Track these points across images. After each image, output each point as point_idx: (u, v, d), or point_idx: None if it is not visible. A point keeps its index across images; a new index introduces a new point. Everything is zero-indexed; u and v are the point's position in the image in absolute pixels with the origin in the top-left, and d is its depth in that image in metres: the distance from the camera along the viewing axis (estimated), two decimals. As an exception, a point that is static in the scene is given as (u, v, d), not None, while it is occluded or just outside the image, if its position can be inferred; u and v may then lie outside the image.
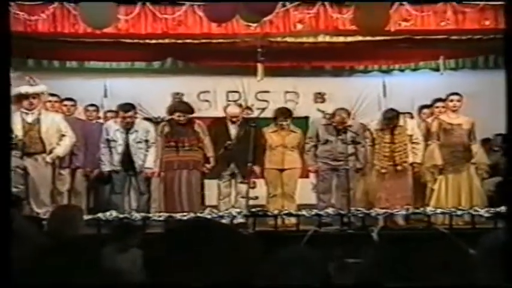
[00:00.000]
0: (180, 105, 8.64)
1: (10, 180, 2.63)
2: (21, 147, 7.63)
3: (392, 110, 8.44)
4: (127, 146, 8.14)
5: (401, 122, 8.31)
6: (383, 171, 8.19)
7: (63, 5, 8.41)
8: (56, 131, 7.85)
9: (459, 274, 1.90)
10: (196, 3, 8.42)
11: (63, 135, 7.88)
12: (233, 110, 8.60)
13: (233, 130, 8.38)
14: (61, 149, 7.88)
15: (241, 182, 8.22)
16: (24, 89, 7.70)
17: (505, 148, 7.33)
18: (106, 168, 8.22)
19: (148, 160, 8.16)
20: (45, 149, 7.75)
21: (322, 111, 10.06)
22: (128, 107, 8.24)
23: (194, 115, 8.47)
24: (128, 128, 8.18)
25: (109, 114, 9.17)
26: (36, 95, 7.78)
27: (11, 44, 2.73)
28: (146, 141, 8.19)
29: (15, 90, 7.66)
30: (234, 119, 8.39)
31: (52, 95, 8.47)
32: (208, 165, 8.30)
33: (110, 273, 2.22)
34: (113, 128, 8.26)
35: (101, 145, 8.23)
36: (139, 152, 8.15)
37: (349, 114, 8.45)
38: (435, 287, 1.81)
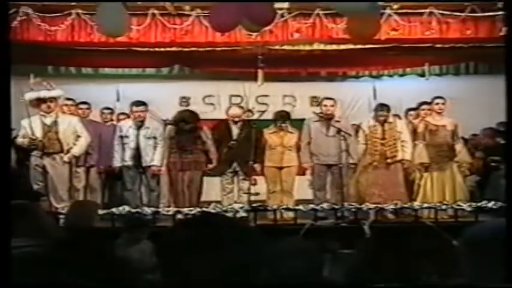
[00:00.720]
0: (184, 115, 8.45)
1: (10, 181, 2.62)
2: (41, 148, 7.65)
3: (383, 104, 8.50)
4: (138, 141, 8.13)
5: (391, 119, 8.34)
6: (375, 164, 8.18)
7: (80, 16, 8.44)
8: (72, 132, 7.87)
9: (444, 263, 1.90)
10: (202, 14, 8.44)
11: (79, 136, 7.90)
12: (234, 111, 8.59)
13: (235, 131, 8.37)
14: (77, 149, 7.89)
15: (243, 179, 8.25)
16: (42, 93, 7.72)
17: (505, 148, 7.33)
18: (118, 163, 8.22)
19: (156, 158, 8.16)
20: (63, 149, 7.76)
21: (317, 113, 10.07)
22: (139, 103, 8.30)
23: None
24: (139, 125, 8.18)
25: (121, 117, 9.20)
26: (53, 99, 7.80)
27: (10, 52, 2.72)
28: (155, 137, 8.20)
29: (34, 94, 7.71)
30: (236, 119, 8.39)
31: (68, 99, 8.50)
32: (210, 166, 8.31)
33: (123, 264, 2.22)
34: (126, 126, 8.31)
35: (114, 142, 8.23)
36: (148, 149, 8.14)
37: (334, 102, 8.45)
38: (433, 287, 1.81)
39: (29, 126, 7.63)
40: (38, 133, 7.64)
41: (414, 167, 8.31)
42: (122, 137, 8.20)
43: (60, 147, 7.75)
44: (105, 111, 9.14)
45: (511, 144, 2.77)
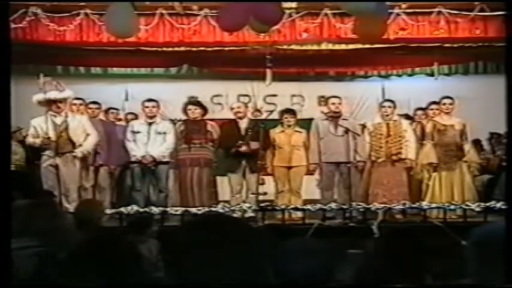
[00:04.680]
0: (192, 101, 8.71)
1: (10, 182, 2.63)
2: (54, 147, 7.67)
3: (388, 100, 8.52)
4: (149, 137, 8.13)
5: (396, 117, 8.32)
6: (380, 160, 8.15)
7: (89, 16, 8.47)
8: (82, 131, 7.91)
9: (452, 262, 1.89)
10: (210, 14, 8.46)
11: (88, 135, 7.94)
12: (236, 104, 8.66)
13: (243, 129, 8.34)
14: (85, 147, 7.92)
15: (251, 178, 8.19)
16: (53, 94, 7.74)
17: (506, 148, 7.29)
18: (128, 160, 8.23)
19: (161, 150, 8.15)
20: (75, 149, 7.81)
21: (324, 112, 10.06)
22: (150, 99, 8.36)
23: (207, 116, 8.52)
24: (150, 121, 8.20)
25: (129, 116, 9.23)
26: (63, 100, 7.84)
27: (10, 51, 2.73)
28: (165, 133, 8.22)
29: (45, 95, 7.72)
30: (239, 114, 8.39)
31: (78, 98, 8.53)
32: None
33: (132, 262, 2.22)
34: (138, 123, 8.38)
35: (126, 139, 8.24)
36: (156, 145, 8.15)
37: (341, 100, 8.45)
38: (438, 287, 1.80)
39: (38, 126, 7.67)
40: (51, 133, 7.67)
41: (422, 167, 8.28)
42: (133, 132, 8.23)
43: (72, 146, 7.79)
44: (112, 111, 9.17)
45: (511, 144, 2.77)
